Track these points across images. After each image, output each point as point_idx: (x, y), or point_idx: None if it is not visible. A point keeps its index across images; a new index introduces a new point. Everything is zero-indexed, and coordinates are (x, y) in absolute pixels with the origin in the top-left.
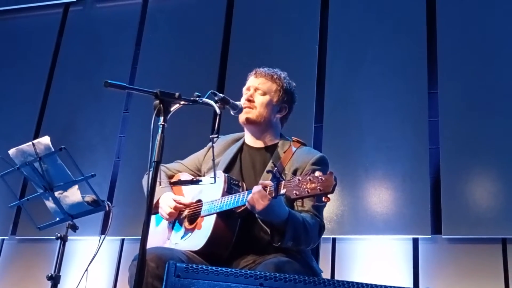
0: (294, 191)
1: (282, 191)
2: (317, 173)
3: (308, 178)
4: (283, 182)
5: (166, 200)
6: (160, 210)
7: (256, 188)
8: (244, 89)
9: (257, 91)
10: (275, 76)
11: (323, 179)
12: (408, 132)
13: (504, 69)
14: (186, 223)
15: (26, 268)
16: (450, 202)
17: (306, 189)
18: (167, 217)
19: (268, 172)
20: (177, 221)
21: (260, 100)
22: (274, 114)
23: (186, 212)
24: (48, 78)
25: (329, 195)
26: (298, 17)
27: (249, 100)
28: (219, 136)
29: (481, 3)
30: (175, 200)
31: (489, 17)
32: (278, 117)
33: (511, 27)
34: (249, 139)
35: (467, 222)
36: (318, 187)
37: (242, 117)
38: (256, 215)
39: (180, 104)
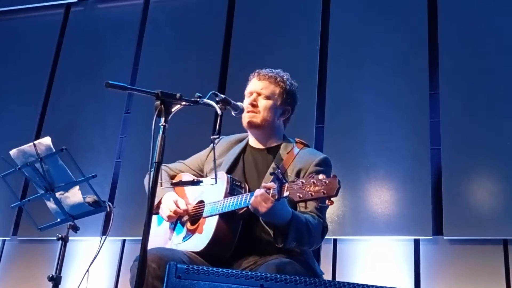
0: (298, 194)
1: (285, 194)
2: (321, 176)
3: (312, 181)
4: (286, 185)
5: (167, 202)
6: (160, 211)
7: (259, 191)
8: (246, 92)
9: (260, 95)
10: (278, 79)
11: (327, 182)
12: (409, 132)
13: (505, 69)
14: (188, 224)
15: (27, 268)
16: (452, 203)
17: (309, 192)
18: (167, 219)
19: (271, 174)
20: (178, 222)
21: (263, 104)
22: (277, 117)
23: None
24: (50, 78)
25: (332, 199)
26: (299, 17)
27: (252, 105)
28: (221, 137)
29: (483, 3)
30: (176, 204)
31: (490, 17)
32: (281, 120)
33: None
34: (253, 141)
35: (468, 223)
36: (322, 190)
37: (245, 121)
38: (259, 217)
39: (181, 104)
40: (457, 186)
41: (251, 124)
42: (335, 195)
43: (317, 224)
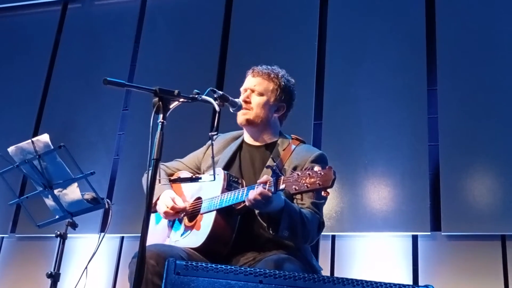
0: (294, 186)
1: (282, 186)
2: (316, 168)
3: (307, 173)
4: (282, 177)
5: (165, 199)
6: (157, 208)
7: (255, 185)
8: (241, 89)
9: (253, 91)
10: (272, 75)
11: (322, 173)
12: (407, 129)
13: (503, 65)
14: (185, 221)
15: (26, 266)
16: (450, 199)
17: (305, 184)
18: (164, 215)
19: (267, 167)
20: (176, 219)
21: (256, 101)
22: (271, 113)
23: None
24: (47, 75)
25: (328, 190)
26: (297, 13)
27: (245, 101)
28: (218, 134)
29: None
30: (173, 201)
31: (488, 13)
32: (276, 116)
33: (511, 23)
34: (248, 138)
35: (466, 219)
36: (317, 182)
37: (239, 118)
38: (255, 210)
39: (179, 101)
40: (455, 182)
41: (245, 121)
42: (331, 186)
43: (313, 218)
